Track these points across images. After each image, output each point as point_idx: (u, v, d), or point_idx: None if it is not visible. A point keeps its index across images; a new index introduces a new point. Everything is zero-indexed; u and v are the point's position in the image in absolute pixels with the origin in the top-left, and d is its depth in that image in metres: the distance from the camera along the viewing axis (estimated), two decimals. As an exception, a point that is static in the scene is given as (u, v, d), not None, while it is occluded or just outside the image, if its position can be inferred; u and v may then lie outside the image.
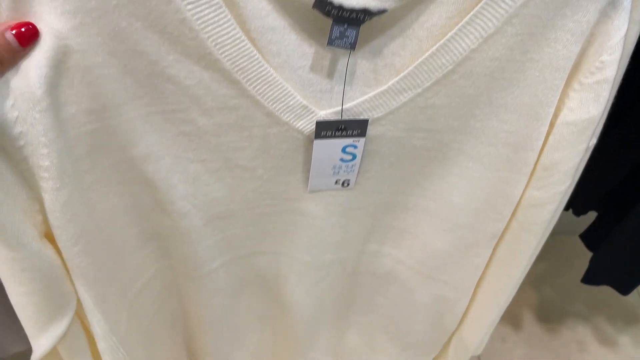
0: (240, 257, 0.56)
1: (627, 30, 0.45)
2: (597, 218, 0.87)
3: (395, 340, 0.70)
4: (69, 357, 0.48)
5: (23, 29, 0.31)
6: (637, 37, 0.46)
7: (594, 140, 0.49)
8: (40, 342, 0.43)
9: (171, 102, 0.40)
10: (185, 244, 0.50)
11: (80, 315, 0.46)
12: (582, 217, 0.89)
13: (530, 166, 0.47)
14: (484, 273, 0.57)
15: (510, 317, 1.25)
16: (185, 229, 0.48)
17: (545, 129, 0.44)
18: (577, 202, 0.84)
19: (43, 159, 0.35)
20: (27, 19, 0.32)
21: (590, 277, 0.88)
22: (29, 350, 0.46)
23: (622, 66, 0.47)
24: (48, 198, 0.37)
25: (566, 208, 0.86)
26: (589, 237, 0.90)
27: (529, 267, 0.57)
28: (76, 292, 0.44)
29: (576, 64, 0.42)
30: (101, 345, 0.47)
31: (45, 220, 0.39)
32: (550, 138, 0.45)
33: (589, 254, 0.86)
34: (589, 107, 0.42)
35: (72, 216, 0.39)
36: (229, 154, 0.45)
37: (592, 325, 1.25)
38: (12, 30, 0.31)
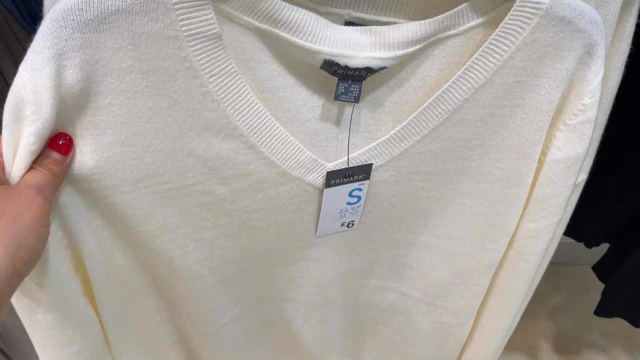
0: (248, 308, 0.59)
1: (609, 76, 0.49)
2: (609, 250, 0.87)
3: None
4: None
5: (60, 142, 0.36)
6: (618, 81, 0.51)
7: (584, 176, 0.53)
8: None
9: (191, 176, 0.43)
10: (198, 305, 0.53)
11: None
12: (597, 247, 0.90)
13: (522, 201, 0.50)
14: (485, 300, 0.60)
15: (526, 348, 1.25)
16: (200, 290, 0.51)
17: (533, 166, 0.48)
18: (589, 234, 0.86)
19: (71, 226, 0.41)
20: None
21: (603, 309, 0.88)
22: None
23: (607, 108, 0.52)
24: (83, 252, 0.42)
25: (579, 240, 0.89)
26: (601, 269, 0.90)
27: (529, 295, 0.60)
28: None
29: (559, 107, 0.46)
30: None
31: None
32: (541, 174, 0.49)
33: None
34: (574, 145, 0.46)
35: (97, 268, 0.44)
36: (243, 217, 0.48)
37: (609, 356, 1.24)
38: (52, 148, 0.36)
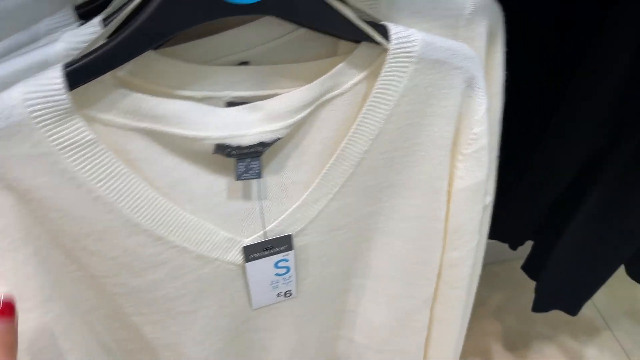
0: None
1: (490, 103, 0.52)
2: (533, 248, 0.90)
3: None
4: None
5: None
6: (501, 106, 0.53)
7: (490, 198, 0.55)
8: None
9: (100, 270, 0.41)
10: None
11: None
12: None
13: (440, 233, 0.52)
14: (429, 333, 0.61)
15: (479, 352, 1.27)
16: None
17: (444, 199, 0.50)
18: (512, 235, 0.88)
19: None
20: None
21: (539, 305, 0.91)
22: None
23: (496, 131, 0.54)
24: None
25: (503, 241, 0.92)
26: (530, 268, 0.93)
27: (467, 318, 0.62)
28: None
29: (455, 140, 0.48)
30: None
31: None
32: (451, 205, 0.50)
33: (541, 277, 0.90)
34: (475, 172, 0.48)
35: None
36: (167, 305, 0.45)
37: (557, 344, 1.28)
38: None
